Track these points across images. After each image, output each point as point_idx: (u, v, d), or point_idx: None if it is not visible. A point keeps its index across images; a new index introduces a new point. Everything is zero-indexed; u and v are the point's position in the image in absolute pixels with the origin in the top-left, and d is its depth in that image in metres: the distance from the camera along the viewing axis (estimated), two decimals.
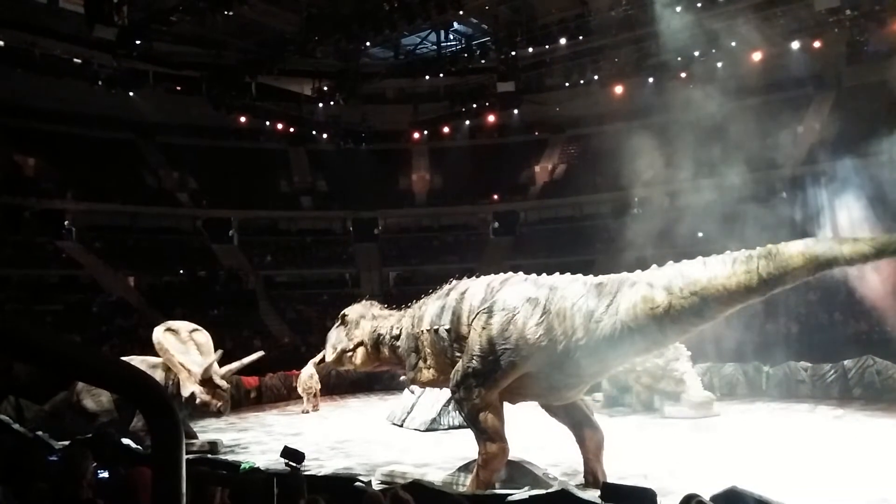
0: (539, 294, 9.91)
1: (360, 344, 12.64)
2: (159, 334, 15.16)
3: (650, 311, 8.86)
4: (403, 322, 12.03)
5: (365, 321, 12.70)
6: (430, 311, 11.27)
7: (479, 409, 10.11)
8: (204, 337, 15.87)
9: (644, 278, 9.16)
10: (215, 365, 15.11)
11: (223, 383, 15.20)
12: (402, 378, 12.46)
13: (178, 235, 36.94)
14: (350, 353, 12.78)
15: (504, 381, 9.99)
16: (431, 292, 11.79)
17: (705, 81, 25.68)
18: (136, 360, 15.07)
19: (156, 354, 15.37)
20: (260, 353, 16.88)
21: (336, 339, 13.10)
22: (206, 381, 14.82)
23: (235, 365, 15.92)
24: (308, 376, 22.39)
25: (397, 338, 12.06)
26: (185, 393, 14.68)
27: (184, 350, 15.18)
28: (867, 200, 19.88)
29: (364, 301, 13.45)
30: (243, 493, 6.08)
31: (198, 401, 14.69)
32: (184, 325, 15.87)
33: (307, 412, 22.21)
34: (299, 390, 22.78)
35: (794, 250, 8.02)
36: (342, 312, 13.25)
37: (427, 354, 11.23)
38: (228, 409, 15.65)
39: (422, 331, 11.28)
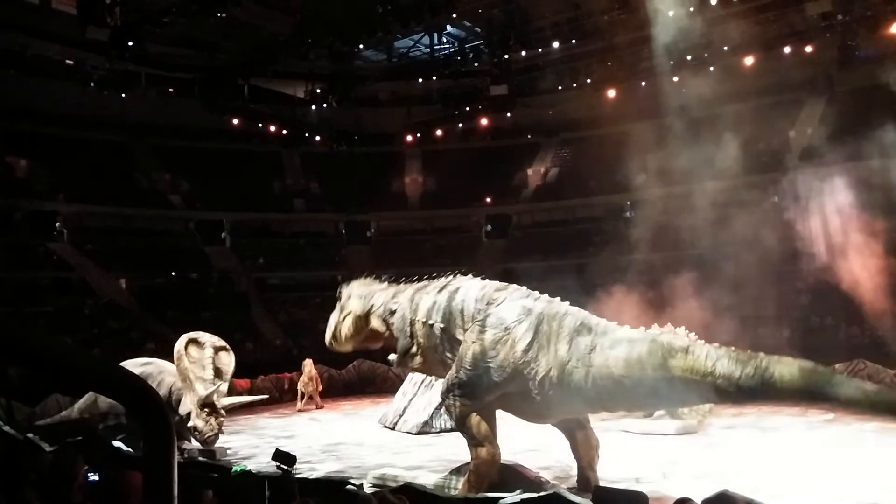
0: (533, 317, 9.87)
1: (349, 313, 12.51)
2: (181, 345, 14.53)
3: (618, 378, 8.87)
4: (400, 299, 11.83)
5: (359, 294, 12.57)
6: (427, 302, 11.19)
7: (467, 415, 10.17)
8: (228, 357, 15.27)
9: (627, 339, 9.08)
10: (224, 387, 14.56)
11: (221, 414, 14.44)
12: (391, 357, 12.30)
13: (170, 237, 36.80)
14: (342, 325, 12.59)
15: (489, 395, 10.05)
16: (432, 277, 11.77)
17: (697, 85, 25.72)
18: (154, 362, 14.87)
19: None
20: (263, 397, 16.93)
21: (333, 317, 13.04)
22: (207, 405, 14.15)
23: (239, 400, 15.43)
24: (306, 378, 23.00)
25: (392, 313, 11.86)
26: (182, 411, 14.11)
27: (200, 367, 14.48)
28: (859, 204, 19.94)
29: (361, 278, 13.23)
30: (235, 495, 6.07)
31: (190, 423, 14.03)
32: (211, 340, 15.14)
33: (303, 410, 22.53)
34: (301, 388, 23.18)
35: (785, 372, 7.78)
36: (339, 289, 13.25)
37: (419, 343, 11.22)
38: (216, 442, 14.69)
39: (417, 320, 11.23)
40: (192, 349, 14.61)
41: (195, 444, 14.76)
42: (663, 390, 8.60)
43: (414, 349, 11.36)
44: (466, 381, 10.05)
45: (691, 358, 8.37)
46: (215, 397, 14.25)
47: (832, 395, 7.50)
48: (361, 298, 12.44)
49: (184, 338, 14.71)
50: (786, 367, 7.78)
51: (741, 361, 8.07)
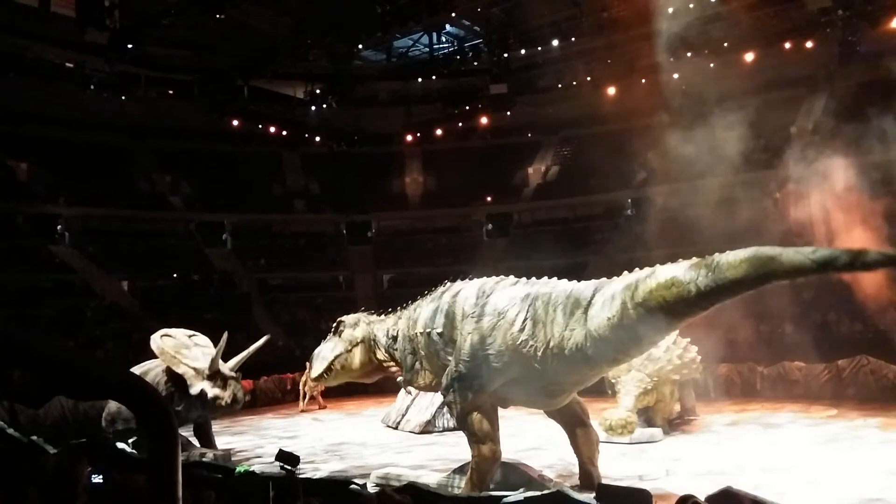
0: (526, 299, 9.85)
1: (360, 342, 12.28)
2: (157, 340, 14.34)
3: (608, 322, 8.76)
4: (399, 324, 11.85)
5: (362, 324, 12.40)
6: (424, 313, 11.17)
7: (469, 411, 10.12)
8: (204, 340, 15.07)
9: (612, 285, 9.03)
10: (220, 360, 14.25)
11: (232, 374, 14.26)
12: (399, 379, 12.26)
13: (171, 239, 36.80)
14: (345, 355, 12.30)
15: (490, 384, 9.97)
16: (427, 293, 11.66)
17: (697, 82, 25.70)
18: (154, 362, 14.69)
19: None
20: (266, 338, 16.02)
21: (328, 349, 12.61)
22: (214, 374, 13.92)
23: (243, 355, 14.91)
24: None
25: (395, 339, 11.87)
26: (195, 391, 13.78)
27: (187, 352, 14.32)
28: (861, 199, 19.92)
29: (358, 312, 12.98)
30: (239, 496, 6.08)
31: (209, 395, 13.75)
32: (181, 331, 15.04)
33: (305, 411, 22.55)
34: (304, 389, 23.14)
35: (732, 259, 7.56)
36: (338, 320, 12.80)
37: (422, 357, 11.17)
38: (244, 399, 14.55)
39: (416, 333, 11.21)
40: (168, 340, 14.40)
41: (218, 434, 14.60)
42: (649, 323, 8.46)
43: (418, 365, 11.31)
44: (466, 372, 9.99)
45: (658, 284, 8.23)
46: (220, 364, 14.04)
47: (779, 268, 7.26)
48: (365, 330, 12.35)
49: (156, 336, 14.42)
50: (731, 257, 7.60)
51: (693, 266, 7.94)
